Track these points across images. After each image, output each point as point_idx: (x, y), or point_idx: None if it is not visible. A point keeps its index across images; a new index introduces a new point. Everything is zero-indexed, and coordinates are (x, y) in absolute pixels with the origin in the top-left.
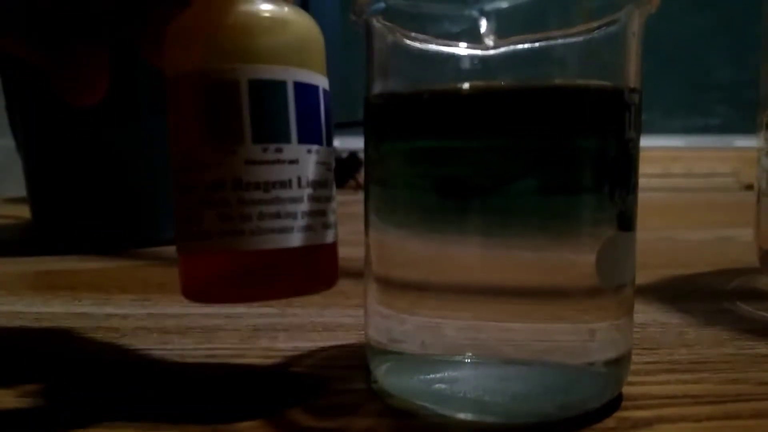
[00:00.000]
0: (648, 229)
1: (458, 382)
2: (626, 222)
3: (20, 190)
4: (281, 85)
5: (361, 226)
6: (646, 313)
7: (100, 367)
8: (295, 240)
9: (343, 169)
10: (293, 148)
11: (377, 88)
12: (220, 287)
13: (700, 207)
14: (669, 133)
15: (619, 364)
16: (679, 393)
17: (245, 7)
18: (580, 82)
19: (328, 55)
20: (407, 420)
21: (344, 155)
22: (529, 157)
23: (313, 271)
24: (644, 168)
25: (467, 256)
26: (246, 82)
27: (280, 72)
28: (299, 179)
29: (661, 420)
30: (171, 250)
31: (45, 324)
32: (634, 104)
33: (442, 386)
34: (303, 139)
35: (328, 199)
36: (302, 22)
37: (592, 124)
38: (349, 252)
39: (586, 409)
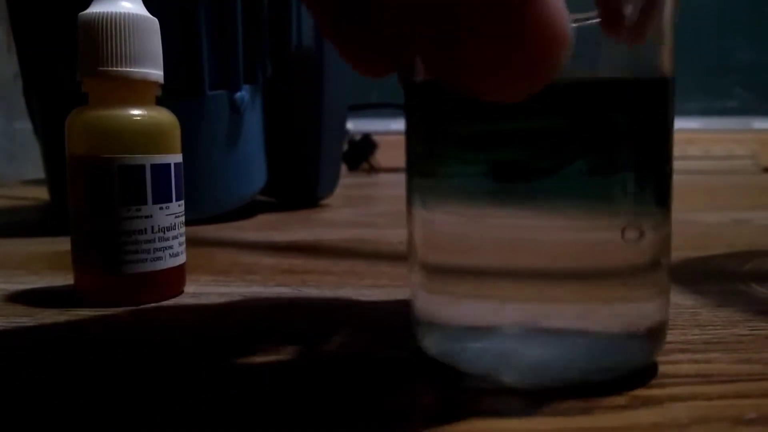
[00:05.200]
0: None
1: (502, 351)
2: (666, 198)
3: (39, 172)
4: (142, 167)
5: (374, 208)
6: None
7: (118, 342)
8: (149, 267)
9: (356, 152)
10: (149, 207)
11: (421, 75)
12: (101, 295)
13: (716, 189)
14: (686, 115)
15: (650, 335)
16: (691, 372)
17: (121, 112)
18: (630, 73)
19: None
20: (450, 384)
21: (358, 138)
22: (586, 138)
23: (159, 285)
24: None
25: (520, 239)
26: (116, 167)
27: (140, 159)
28: (152, 227)
29: (672, 398)
30: (194, 230)
31: (65, 301)
32: (673, 85)
33: (481, 352)
34: (156, 201)
35: (176, 237)
36: (161, 118)
37: (643, 108)
38: (362, 233)
39: (613, 376)
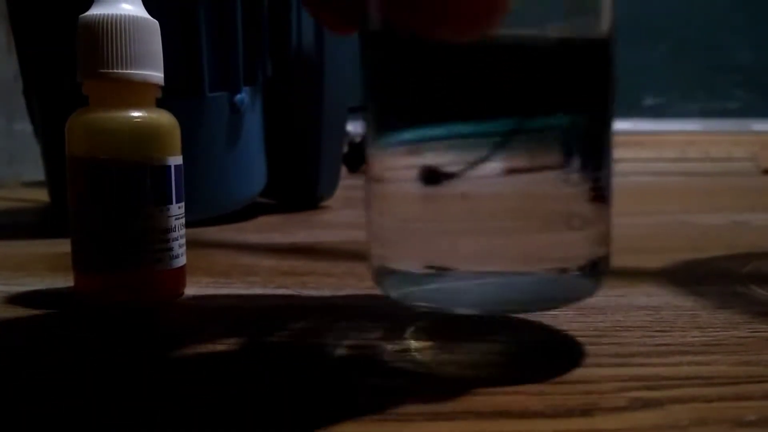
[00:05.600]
0: (663, 213)
1: (455, 289)
2: (604, 149)
3: (38, 173)
4: (142, 168)
5: None
6: (659, 296)
7: (118, 343)
8: (149, 269)
9: (356, 154)
10: (149, 209)
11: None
12: (101, 297)
13: (716, 191)
14: (686, 117)
15: (591, 271)
16: (691, 374)
17: (122, 114)
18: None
19: (345, 46)
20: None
21: (358, 140)
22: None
23: (159, 286)
24: (661, 152)
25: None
26: (116, 169)
27: (140, 161)
28: (152, 229)
29: (672, 400)
30: (195, 232)
31: (65, 302)
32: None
33: (437, 291)
34: (156, 203)
35: (176, 239)
36: (161, 120)
37: (578, 68)
38: (362, 235)
39: (557, 307)
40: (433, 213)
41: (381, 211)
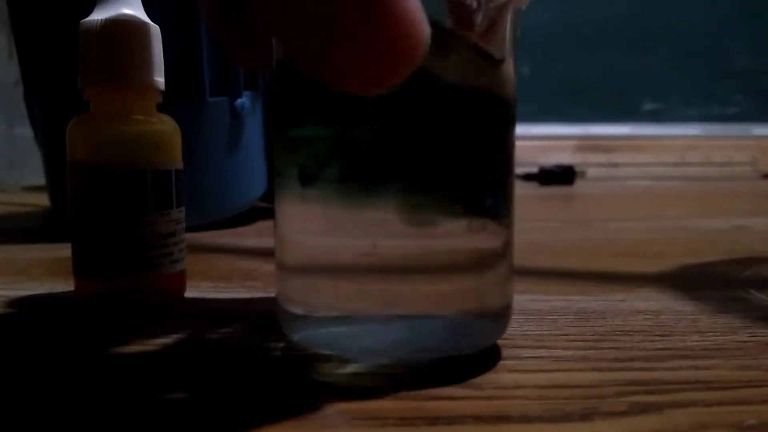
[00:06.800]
0: (663, 218)
1: (359, 334)
2: (504, 196)
3: (39, 178)
4: (143, 173)
5: None
6: (659, 301)
7: (117, 345)
8: (149, 273)
9: None
10: (149, 214)
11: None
12: (101, 301)
13: (716, 196)
14: (686, 122)
15: (495, 318)
16: (690, 378)
17: (123, 120)
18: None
19: None
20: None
21: None
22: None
23: (159, 291)
24: (660, 156)
25: (372, 236)
26: (117, 174)
27: (141, 166)
28: (152, 234)
29: (672, 405)
30: (194, 236)
31: (65, 307)
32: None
33: (339, 336)
34: (157, 207)
35: (176, 243)
36: (162, 125)
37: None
38: None
39: (462, 353)
40: (329, 255)
41: (284, 253)
